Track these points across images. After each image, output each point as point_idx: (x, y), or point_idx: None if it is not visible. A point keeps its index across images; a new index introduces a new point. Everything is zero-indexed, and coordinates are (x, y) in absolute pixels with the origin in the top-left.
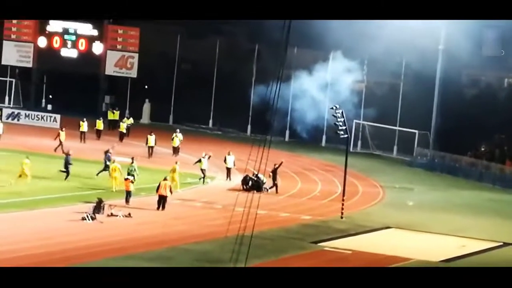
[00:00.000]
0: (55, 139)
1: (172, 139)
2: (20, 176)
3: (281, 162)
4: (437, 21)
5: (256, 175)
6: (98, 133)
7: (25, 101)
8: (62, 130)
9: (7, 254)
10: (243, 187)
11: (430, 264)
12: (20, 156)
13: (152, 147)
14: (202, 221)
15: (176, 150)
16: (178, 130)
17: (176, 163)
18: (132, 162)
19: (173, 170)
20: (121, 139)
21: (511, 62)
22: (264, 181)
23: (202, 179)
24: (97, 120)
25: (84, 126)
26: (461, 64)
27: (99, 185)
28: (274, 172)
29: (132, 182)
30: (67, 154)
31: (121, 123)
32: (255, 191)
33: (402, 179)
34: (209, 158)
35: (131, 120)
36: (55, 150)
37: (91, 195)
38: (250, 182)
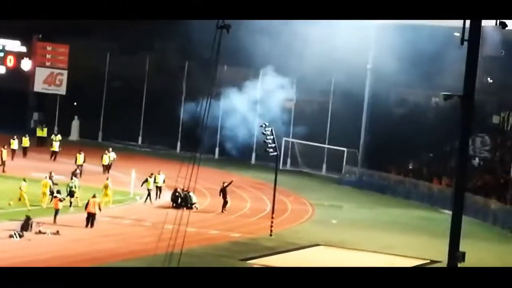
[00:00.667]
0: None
1: (102, 157)
2: (19, 199)
3: (231, 181)
4: (365, 40)
5: (185, 191)
6: (25, 150)
7: None
8: (4, 148)
9: None
10: (172, 203)
11: None
12: None
13: (81, 165)
14: (131, 238)
15: (107, 168)
16: (110, 149)
17: (107, 179)
18: (72, 179)
19: (106, 186)
20: (53, 157)
21: (439, 81)
22: (192, 198)
23: (147, 198)
24: (23, 138)
25: (14, 143)
26: (389, 83)
27: (27, 202)
28: (224, 190)
29: (61, 201)
30: None
31: (53, 142)
32: (184, 208)
33: (331, 197)
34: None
35: (59, 137)
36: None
37: (19, 212)
38: (179, 199)
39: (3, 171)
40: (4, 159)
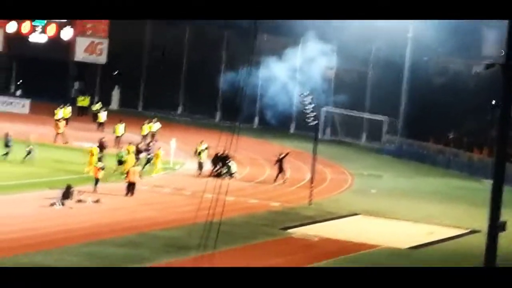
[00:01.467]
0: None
1: (141, 128)
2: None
3: (287, 153)
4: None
5: (224, 156)
6: (66, 120)
7: None
8: (59, 121)
9: None
10: (212, 169)
11: (398, 251)
12: None
13: (119, 136)
14: (171, 207)
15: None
16: (155, 119)
17: (159, 148)
18: (121, 148)
19: (157, 156)
20: (101, 128)
21: (480, 50)
22: (231, 167)
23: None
24: (64, 108)
25: (59, 113)
26: (429, 51)
27: (67, 171)
28: (280, 161)
29: (102, 169)
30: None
31: (99, 114)
32: (223, 173)
33: (370, 166)
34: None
35: (98, 106)
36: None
37: (60, 181)
38: (220, 163)
39: (65, 142)
40: (60, 131)
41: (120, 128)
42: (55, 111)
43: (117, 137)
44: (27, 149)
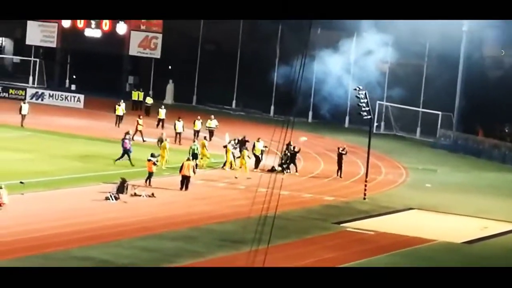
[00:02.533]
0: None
1: (194, 122)
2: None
3: (344, 148)
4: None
5: (291, 147)
6: (120, 119)
7: (49, 81)
8: (140, 118)
9: (33, 232)
10: (281, 161)
11: (453, 245)
12: (44, 135)
13: (179, 133)
14: (225, 201)
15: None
16: (212, 116)
17: (205, 138)
18: (194, 141)
19: (202, 145)
20: (160, 125)
21: None
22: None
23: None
24: (117, 106)
25: (120, 110)
26: (485, 45)
27: (122, 165)
28: (339, 155)
29: (155, 164)
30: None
31: (159, 110)
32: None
33: (425, 161)
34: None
35: (151, 100)
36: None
37: (114, 175)
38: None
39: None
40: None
41: (178, 125)
42: (117, 107)
43: (177, 133)
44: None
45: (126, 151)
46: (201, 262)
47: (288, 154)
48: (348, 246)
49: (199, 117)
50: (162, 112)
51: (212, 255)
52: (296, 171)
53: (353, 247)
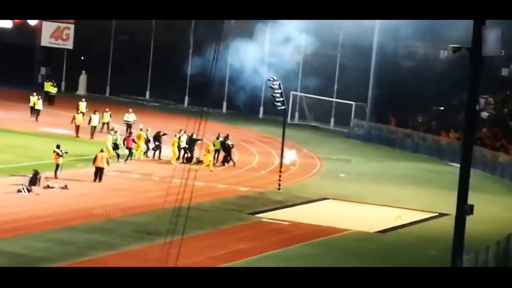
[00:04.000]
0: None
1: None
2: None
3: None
4: None
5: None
6: (34, 110)
7: None
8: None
9: None
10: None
11: (367, 234)
12: None
13: (95, 126)
14: (140, 193)
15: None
16: (130, 110)
17: (141, 129)
18: (115, 132)
19: (139, 137)
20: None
21: (447, 33)
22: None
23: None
24: (31, 97)
25: (33, 101)
26: (397, 35)
27: (34, 157)
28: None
29: (60, 156)
30: None
31: (80, 103)
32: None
33: (339, 151)
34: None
35: (55, 89)
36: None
37: (26, 167)
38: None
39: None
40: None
41: (94, 118)
42: (31, 98)
43: (93, 127)
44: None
45: (129, 149)
46: (116, 254)
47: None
48: (263, 237)
49: (107, 109)
50: (83, 106)
51: (127, 247)
52: (232, 163)
53: (268, 238)
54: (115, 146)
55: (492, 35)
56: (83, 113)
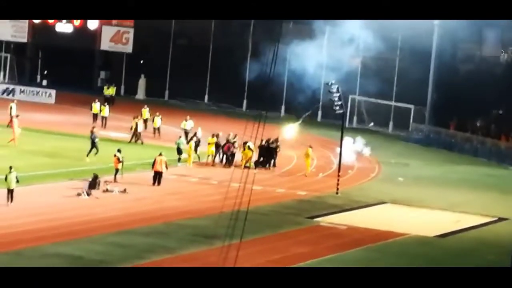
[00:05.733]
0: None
1: (153, 120)
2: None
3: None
4: None
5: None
6: (96, 116)
7: (20, 76)
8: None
9: (4, 229)
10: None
11: (426, 239)
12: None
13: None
14: (198, 196)
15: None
16: (188, 117)
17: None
18: (180, 137)
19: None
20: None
21: (507, 36)
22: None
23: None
24: (93, 103)
25: (96, 107)
26: (457, 38)
27: (94, 161)
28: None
29: (120, 160)
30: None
31: (143, 110)
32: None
33: (397, 155)
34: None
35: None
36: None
37: (86, 171)
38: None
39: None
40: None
41: (157, 120)
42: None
43: (155, 128)
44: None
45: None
46: (174, 258)
47: (266, 147)
48: (321, 241)
49: (158, 113)
50: (146, 112)
51: (184, 250)
52: (274, 166)
53: (326, 242)
54: (179, 151)
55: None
56: (145, 120)
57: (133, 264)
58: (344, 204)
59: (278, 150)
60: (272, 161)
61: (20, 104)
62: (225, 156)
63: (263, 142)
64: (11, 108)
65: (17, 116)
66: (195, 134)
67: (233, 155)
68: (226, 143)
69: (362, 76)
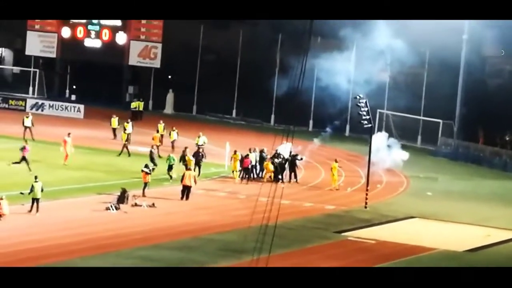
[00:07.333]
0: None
1: (169, 134)
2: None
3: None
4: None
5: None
6: (114, 131)
7: (49, 91)
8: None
9: (34, 243)
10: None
11: (455, 253)
12: (44, 146)
13: (174, 141)
14: (226, 211)
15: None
16: (201, 133)
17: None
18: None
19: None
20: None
21: None
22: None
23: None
24: (112, 118)
25: (115, 122)
26: (485, 53)
27: (123, 175)
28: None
29: (148, 174)
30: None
31: (171, 132)
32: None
33: (426, 169)
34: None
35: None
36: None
37: (115, 185)
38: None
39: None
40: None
41: (174, 134)
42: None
43: (173, 142)
44: None
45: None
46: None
47: (283, 161)
48: (349, 255)
49: (174, 128)
50: (162, 127)
51: (213, 264)
52: (296, 180)
53: (354, 256)
54: (170, 168)
55: (492, 44)
56: (162, 135)
57: None
58: (373, 219)
59: (297, 164)
60: (293, 174)
61: (49, 119)
62: (243, 172)
63: (281, 156)
64: (23, 120)
65: (68, 134)
66: (198, 149)
67: (247, 169)
68: (244, 158)
69: (391, 91)
